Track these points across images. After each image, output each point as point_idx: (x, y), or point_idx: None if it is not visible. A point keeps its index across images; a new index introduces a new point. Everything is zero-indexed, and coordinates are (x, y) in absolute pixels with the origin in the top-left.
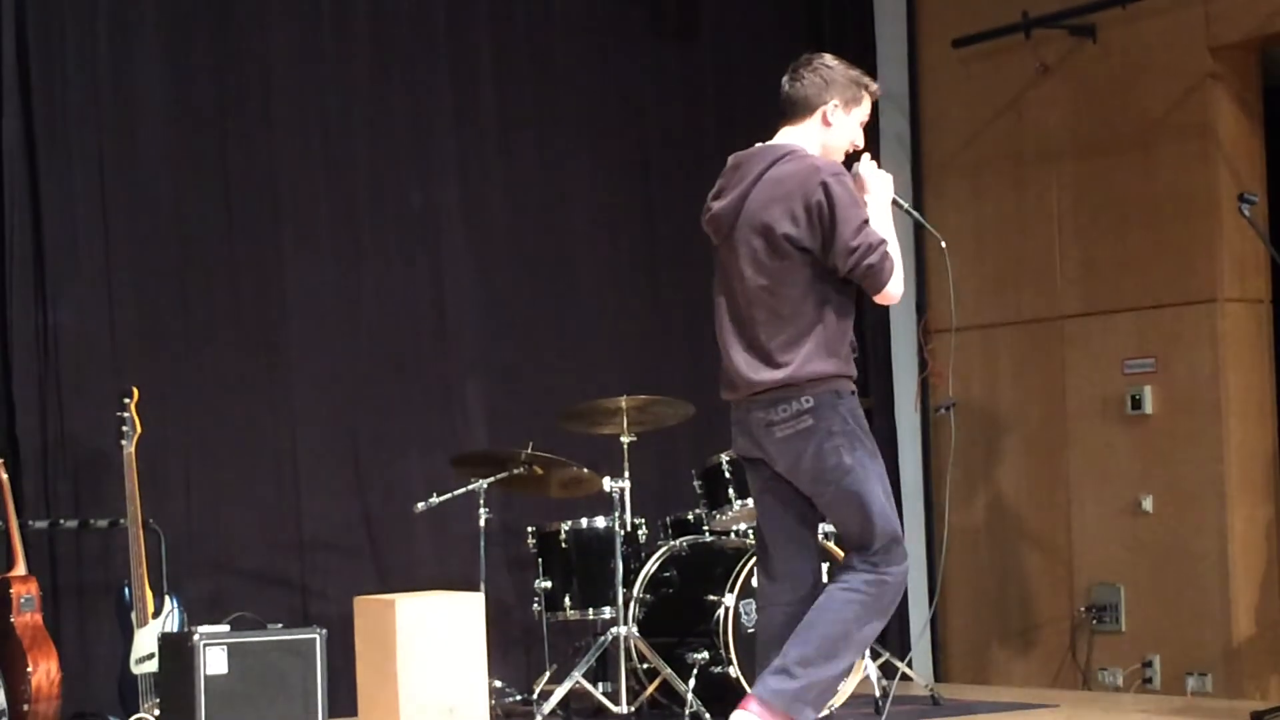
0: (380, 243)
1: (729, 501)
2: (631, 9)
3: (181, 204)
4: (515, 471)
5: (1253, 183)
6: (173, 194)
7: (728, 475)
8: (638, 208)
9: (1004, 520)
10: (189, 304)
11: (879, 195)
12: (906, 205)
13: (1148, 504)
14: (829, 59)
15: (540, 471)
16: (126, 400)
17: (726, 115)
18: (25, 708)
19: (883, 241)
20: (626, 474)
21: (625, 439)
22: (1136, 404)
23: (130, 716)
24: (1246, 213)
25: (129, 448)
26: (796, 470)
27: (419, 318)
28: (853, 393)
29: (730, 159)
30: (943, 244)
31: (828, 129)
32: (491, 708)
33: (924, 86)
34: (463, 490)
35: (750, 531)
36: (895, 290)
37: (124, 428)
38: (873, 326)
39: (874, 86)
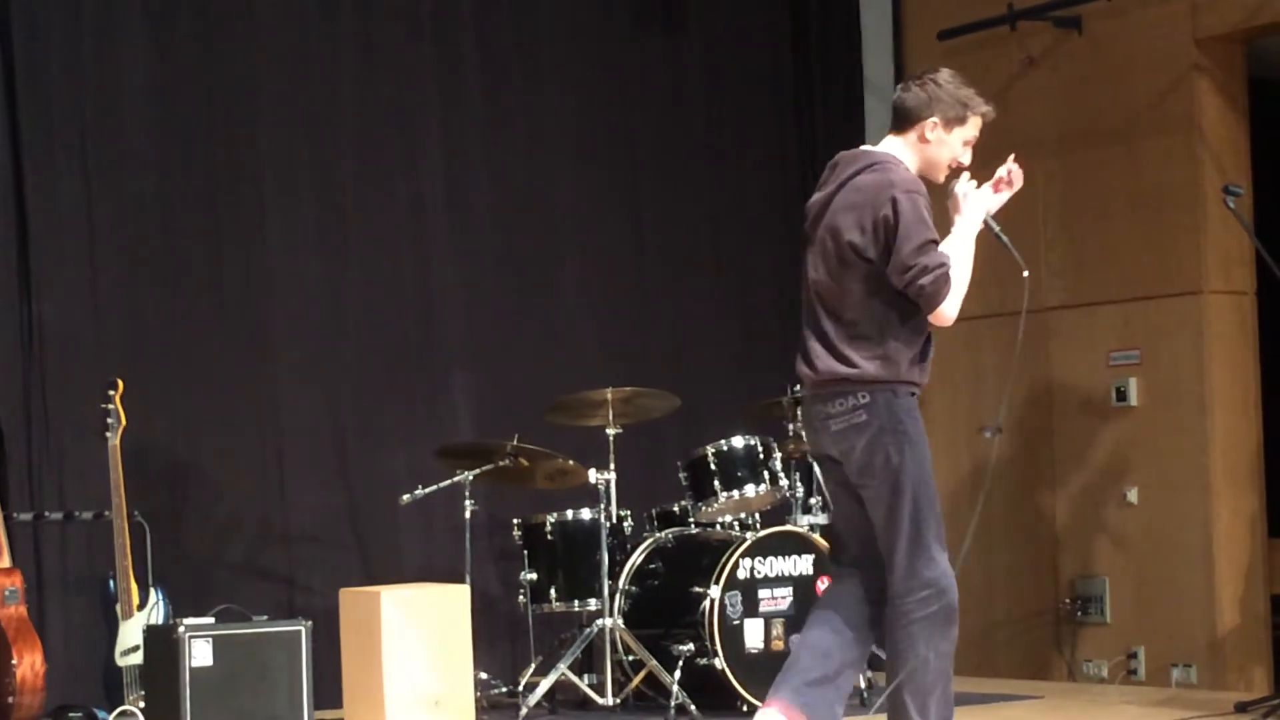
0: (365, 235)
1: (714, 493)
2: (615, 2)
3: (166, 195)
4: (501, 463)
5: (1237, 175)
6: (157, 185)
7: (713, 467)
8: (624, 200)
9: (990, 512)
10: (174, 296)
11: (970, 216)
12: (997, 229)
13: (1133, 496)
14: (944, 75)
15: (526, 463)
16: (111, 392)
17: (712, 107)
18: (10, 700)
19: (941, 265)
20: (612, 466)
21: (611, 431)
22: (1121, 396)
23: (115, 709)
24: (1231, 205)
25: (114, 440)
26: (849, 463)
27: (404, 310)
28: (912, 395)
29: (836, 156)
30: (1025, 273)
31: (925, 145)
32: (477, 699)
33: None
34: (448, 482)
35: (735, 524)
36: (949, 312)
37: (109, 420)
38: None
39: (984, 108)
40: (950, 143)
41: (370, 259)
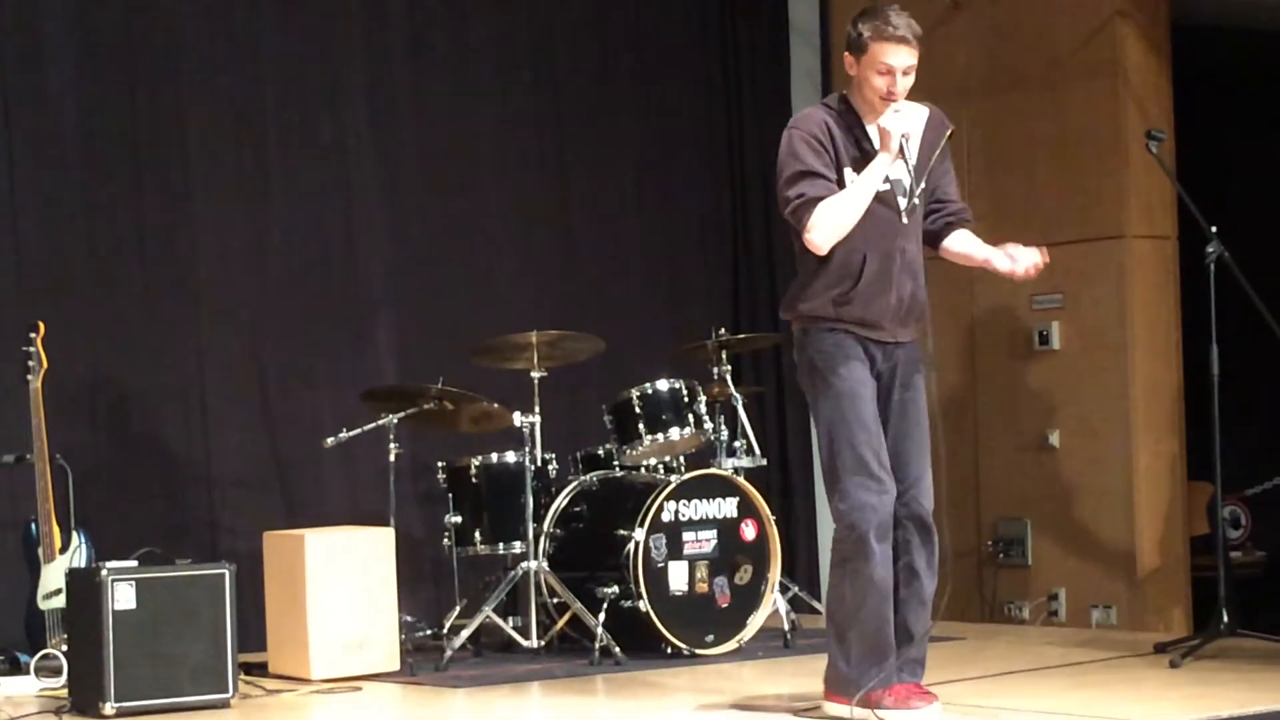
0: (289, 176)
1: (639, 436)
2: None
3: (87, 136)
4: (426, 406)
5: (1160, 120)
6: (78, 127)
7: (638, 410)
8: (549, 142)
9: None
10: (95, 238)
11: (885, 147)
12: (908, 156)
13: (1054, 439)
14: (877, 7)
15: (451, 406)
16: (33, 335)
17: (637, 50)
18: None
19: (800, 195)
20: (537, 409)
21: (536, 374)
22: (1044, 339)
23: (38, 652)
24: (1154, 150)
25: (35, 382)
26: None
27: (328, 253)
28: (833, 330)
29: None
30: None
31: (854, 82)
32: (401, 642)
33: (835, 22)
34: (373, 425)
35: (660, 467)
36: (815, 239)
37: (30, 363)
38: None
39: (877, 29)
40: (864, 74)
41: (294, 201)
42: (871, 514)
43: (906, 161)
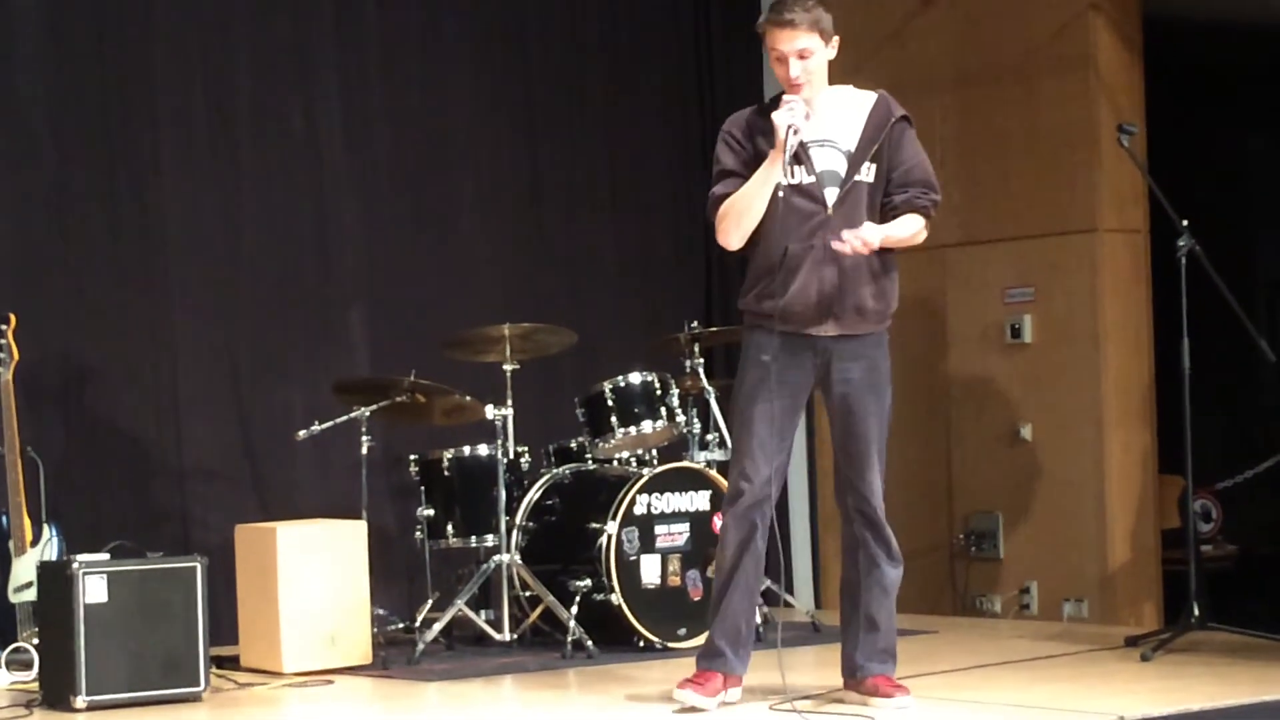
0: (261, 167)
1: (612, 430)
2: None
3: (58, 127)
4: (398, 399)
5: (1132, 114)
6: (49, 117)
7: (610, 403)
8: (521, 135)
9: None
10: (67, 229)
11: (776, 143)
12: (793, 142)
13: (1026, 432)
14: None
15: (423, 399)
16: (3, 327)
17: (610, 40)
18: None
19: (711, 193)
20: (509, 402)
21: (508, 367)
22: (1016, 333)
23: (8, 645)
24: (1125, 143)
25: (6, 375)
26: None
27: (300, 244)
28: (755, 329)
29: None
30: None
31: None
32: (374, 636)
33: None
34: (345, 418)
35: (633, 460)
36: (719, 236)
37: (1, 355)
38: None
39: (769, 15)
40: (772, 63)
41: (266, 192)
42: (734, 504)
43: (786, 154)
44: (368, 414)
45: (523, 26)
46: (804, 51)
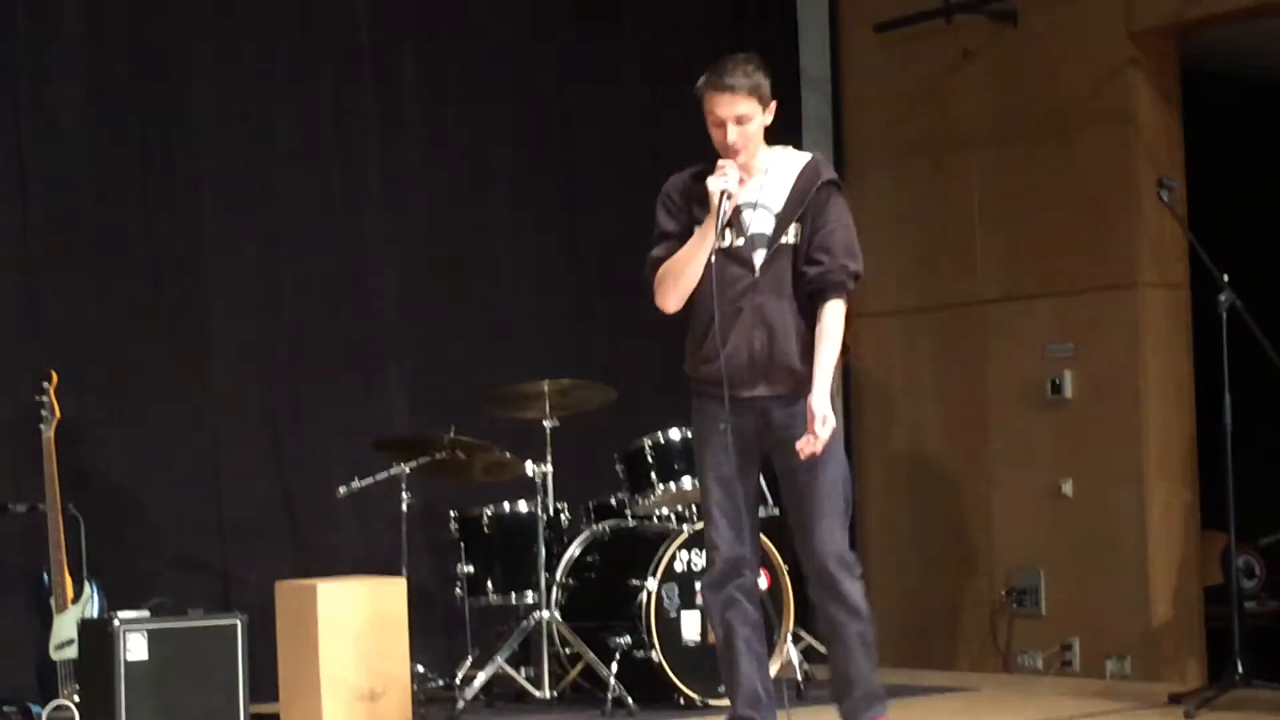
0: (301, 226)
1: (651, 486)
2: None
3: (101, 186)
4: (437, 456)
5: (1171, 168)
6: (92, 176)
7: (650, 460)
8: (560, 192)
9: (925, 505)
10: (109, 287)
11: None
12: (726, 208)
13: (1067, 488)
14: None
15: (463, 456)
16: (46, 384)
17: (648, 100)
18: None
19: (650, 256)
20: (549, 458)
21: (548, 423)
22: (1056, 388)
23: (49, 703)
24: (1165, 198)
25: (48, 432)
26: None
27: (340, 302)
28: (697, 395)
29: None
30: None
31: None
32: (414, 693)
33: (846, 71)
34: (385, 475)
35: (673, 516)
36: (656, 299)
37: (43, 412)
38: None
39: (708, 78)
40: (709, 126)
41: (306, 250)
42: (710, 570)
43: (719, 221)
44: (408, 470)
45: (560, 84)
46: (742, 117)
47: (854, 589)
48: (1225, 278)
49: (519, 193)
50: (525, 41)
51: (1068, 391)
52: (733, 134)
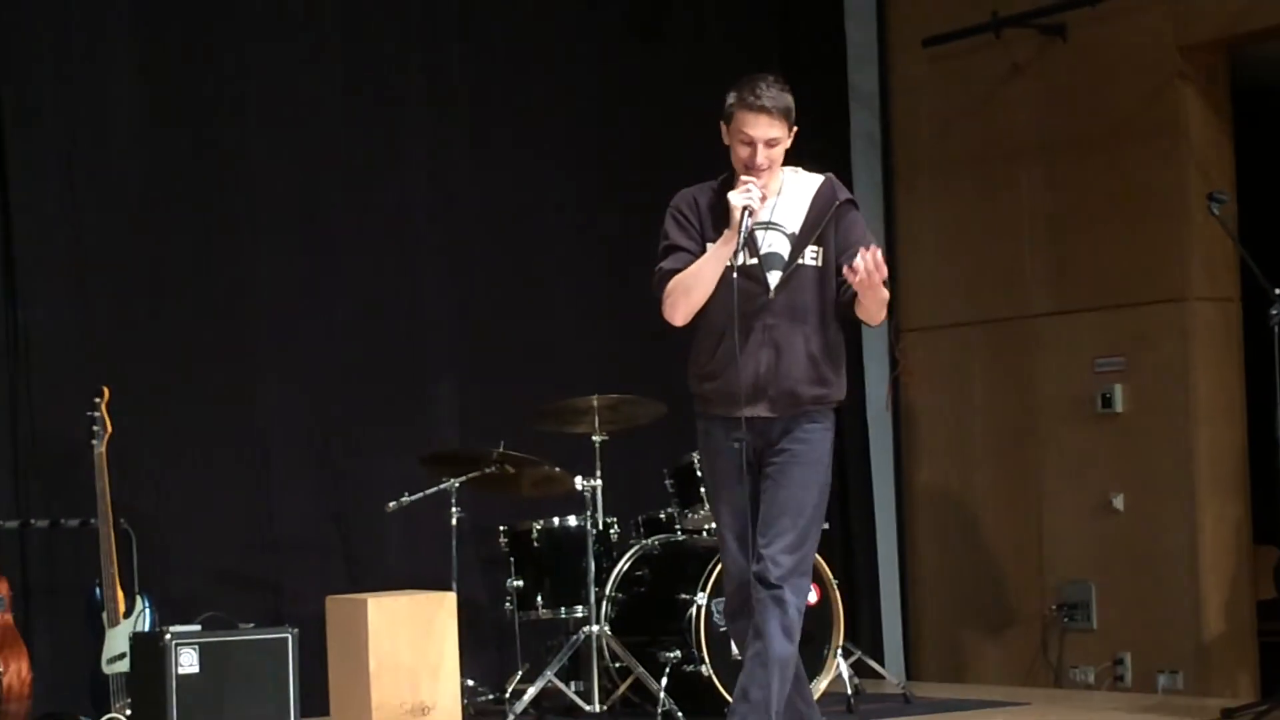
0: (352, 242)
1: (700, 500)
2: (603, 11)
3: (153, 202)
4: (487, 470)
5: (1222, 181)
6: (144, 191)
7: (699, 474)
8: (609, 207)
9: (975, 519)
10: (161, 302)
11: (730, 223)
12: (747, 224)
13: (1118, 502)
14: (737, 81)
15: (512, 470)
16: (97, 399)
17: (697, 116)
18: None
19: (659, 268)
20: (598, 473)
21: (597, 438)
22: (1107, 402)
23: (102, 716)
24: (1216, 211)
25: (100, 447)
26: None
27: (390, 317)
28: (700, 416)
29: None
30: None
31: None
32: (464, 707)
33: (894, 86)
34: (434, 489)
35: None
36: (665, 311)
37: (95, 427)
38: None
39: (741, 97)
40: (731, 144)
41: (356, 265)
42: (728, 602)
43: (740, 236)
44: (457, 485)
45: (610, 100)
46: (772, 140)
47: (795, 609)
48: (1277, 291)
49: (568, 208)
50: (575, 57)
51: (1118, 405)
52: (761, 156)
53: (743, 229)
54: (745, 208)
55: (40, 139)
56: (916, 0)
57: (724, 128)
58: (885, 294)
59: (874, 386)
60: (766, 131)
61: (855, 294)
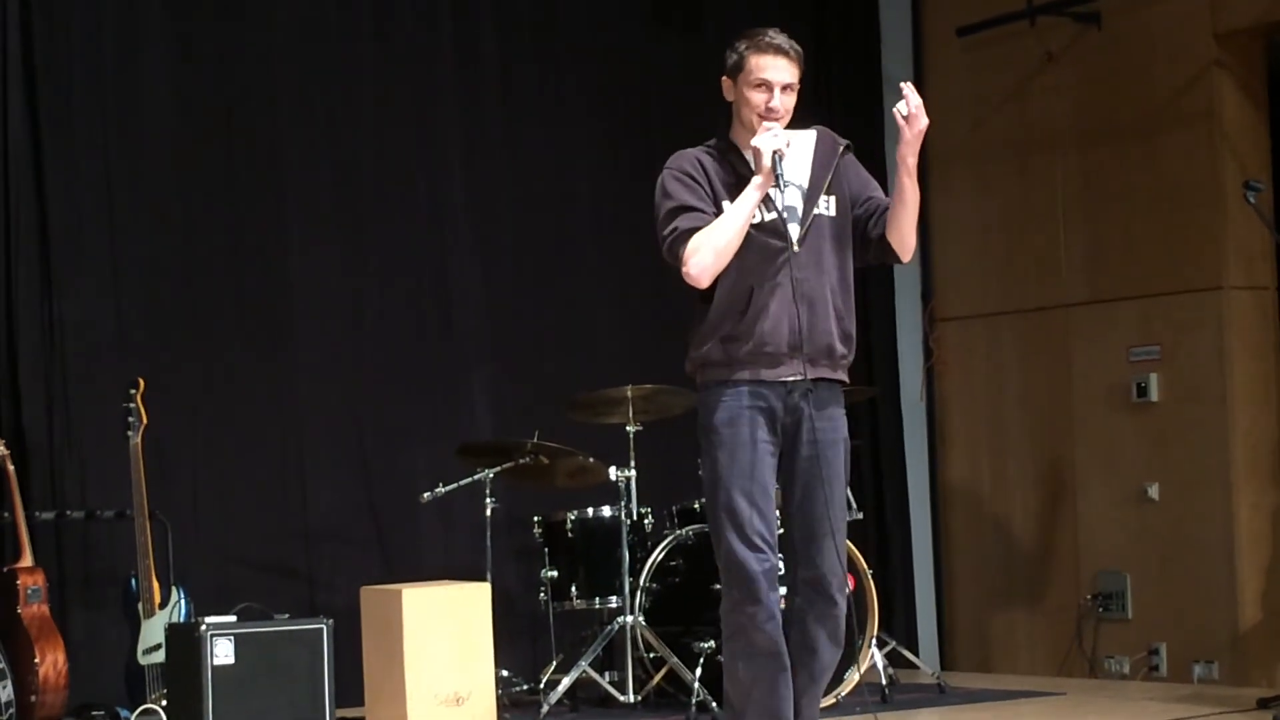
0: (385, 232)
1: None
2: (635, 3)
3: (187, 195)
4: (521, 461)
5: (1258, 170)
6: (178, 185)
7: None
8: (642, 197)
9: (1010, 509)
10: (194, 294)
11: (759, 168)
12: (781, 175)
13: (1154, 491)
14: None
15: (546, 461)
16: (132, 391)
17: (728, 106)
18: (33, 699)
19: (673, 229)
20: (632, 463)
21: (631, 428)
22: (1142, 391)
23: (138, 707)
24: (1252, 200)
25: (135, 439)
26: None
27: (424, 307)
28: (721, 385)
29: None
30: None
31: (735, 108)
32: (499, 697)
33: (928, 75)
34: (469, 480)
35: None
36: (693, 270)
37: (130, 419)
38: (878, 315)
39: (754, 41)
40: (742, 94)
41: (390, 256)
42: (751, 581)
43: (780, 180)
44: (491, 476)
45: (643, 89)
46: (789, 86)
47: (843, 618)
48: None
49: (601, 198)
50: (607, 48)
51: (1154, 394)
52: (777, 99)
53: (779, 172)
54: (776, 151)
55: (76, 137)
56: None
57: (728, 82)
58: (915, 196)
59: (908, 376)
60: (784, 75)
61: (885, 226)
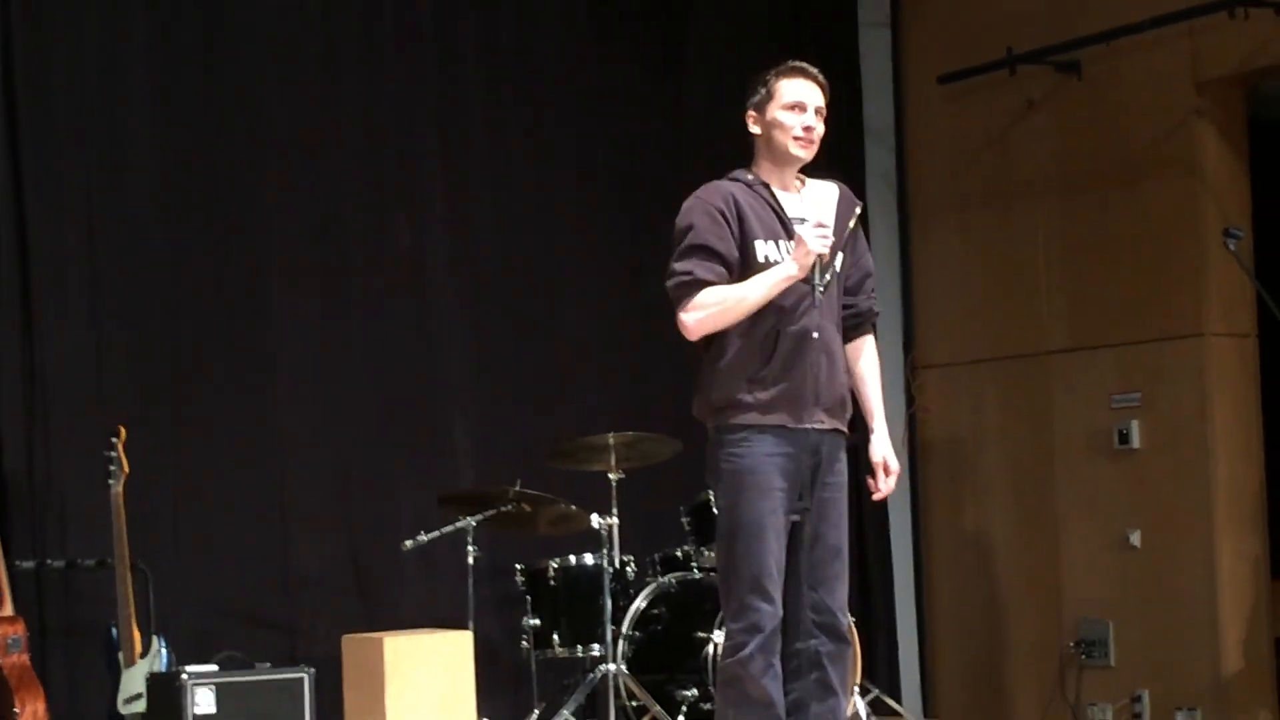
0: (367, 280)
1: None
2: (618, 44)
3: (170, 242)
4: (503, 509)
5: (1238, 217)
6: (161, 232)
7: (716, 512)
8: (625, 245)
9: (992, 555)
10: (177, 342)
11: (793, 261)
12: (818, 281)
13: (1135, 539)
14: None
15: (528, 509)
16: (114, 440)
17: (713, 151)
18: None
19: (687, 272)
20: (615, 511)
21: (613, 476)
22: (1124, 438)
23: None
24: (1232, 247)
25: (116, 487)
26: None
27: (406, 356)
28: (742, 428)
29: None
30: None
31: (759, 139)
32: None
33: (909, 123)
34: (451, 528)
35: None
36: (689, 321)
37: (111, 467)
38: None
39: (782, 69)
40: (771, 121)
41: (372, 304)
42: (758, 634)
43: (817, 279)
44: (474, 524)
45: (626, 133)
46: (820, 110)
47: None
48: None
49: (584, 245)
50: (591, 92)
51: (1135, 441)
52: (812, 120)
53: (815, 277)
54: (820, 255)
55: (59, 180)
56: (931, 37)
57: (754, 116)
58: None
59: (890, 424)
60: (817, 98)
61: (852, 327)
